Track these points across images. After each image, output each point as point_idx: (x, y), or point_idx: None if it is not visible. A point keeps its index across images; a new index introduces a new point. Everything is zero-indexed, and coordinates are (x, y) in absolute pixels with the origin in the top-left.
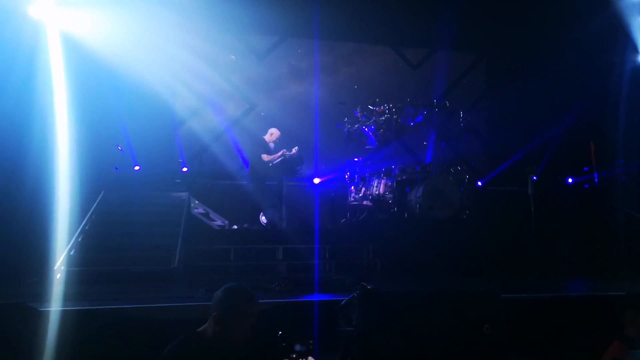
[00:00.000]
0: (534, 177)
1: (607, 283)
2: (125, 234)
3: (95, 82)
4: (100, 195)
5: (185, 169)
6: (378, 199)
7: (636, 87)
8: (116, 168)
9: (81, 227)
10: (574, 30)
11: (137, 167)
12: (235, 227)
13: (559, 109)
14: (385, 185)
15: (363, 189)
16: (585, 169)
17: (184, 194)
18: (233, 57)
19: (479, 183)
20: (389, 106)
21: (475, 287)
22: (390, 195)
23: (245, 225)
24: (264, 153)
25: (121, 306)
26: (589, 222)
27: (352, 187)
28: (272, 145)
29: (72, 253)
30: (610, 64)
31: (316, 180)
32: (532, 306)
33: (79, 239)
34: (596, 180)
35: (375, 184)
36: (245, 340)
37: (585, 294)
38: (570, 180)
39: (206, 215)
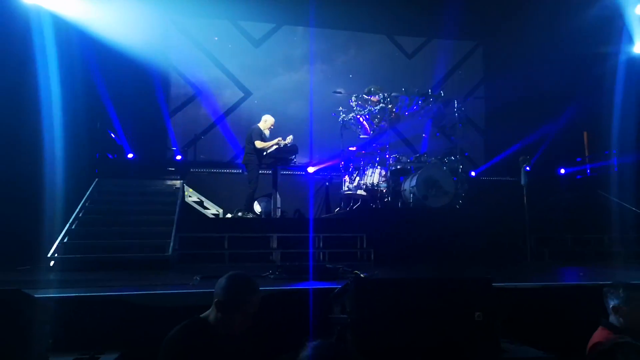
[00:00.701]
0: (527, 168)
1: (598, 271)
2: (119, 222)
3: (89, 68)
4: (94, 183)
5: (179, 157)
6: (372, 189)
7: (630, 78)
8: (109, 156)
9: (75, 214)
10: (570, 20)
11: (130, 155)
12: (229, 215)
13: (555, 100)
14: (380, 174)
15: (357, 179)
16: (578, 159)
17: (177, 182)
18: (216, 38)
19: (473, 173)
20: (384, 95)
21: (468, 275)
22: (385, 185)
23: (240, 213)
24: (258, 140)
25: (116, 293)
26: (581, 212)
27: (347, 177)
28: (267, 132)
29: (65, 240)
30: (605, 54)
31: (311, 169)
32: (524, 294)
33: (73, 227)
34: (588, 171)
35: (370, 174)
36: (245, 328)
37: (575, 282)
38: (562, 170)
39: (200, 203)
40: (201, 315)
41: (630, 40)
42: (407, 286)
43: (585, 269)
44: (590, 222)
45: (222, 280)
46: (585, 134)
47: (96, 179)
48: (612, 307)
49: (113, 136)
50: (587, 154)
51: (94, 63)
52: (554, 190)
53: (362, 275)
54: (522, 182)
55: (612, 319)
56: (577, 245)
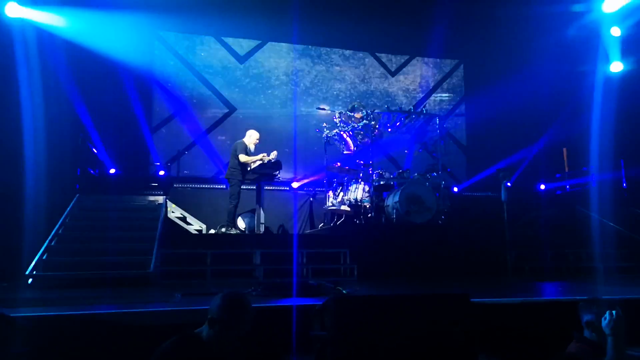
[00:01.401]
0: (508, 184)
1: (576, 286)
2: (100, 238)
3: (72, 82)
4: (75, 199)
5: (162, 173)
6: (356, 204)
7: (607, 95)
8: (91, 171)
9: (54, 231)
10: (549, 40)
11: (112, 171)
12: (212, 231)
13: (535, 117)
14: (363, 190)
15: (341, 194)
16: (558, 175)
17: (160, 198)
18: (202, 54)
19: (455, 189)
20: (367, 112)
21: (448, 290)
22: (368, 201)
23: (223, 229)
24: (242, 154)
25: (95, 312)
26: (561, 227)
27: (330, 192)
28: (252, 147)
29: (44, 257)
30: (583, 73)
31: (295, 185)
32: (502, 309)
33: (52, 243)
34: (568, 187)
35: (353, 189)
36: (237, 346)
37: (553, 298)
38: (542, 186)
39: (183, 219)
40: (195, 331)
41: (607, 60)
42: (386, 303)
43: (563, 284)
44: (569, 238)
45: (217, 299)
46: (564, 150)
47: (77, 195)
48: (586, 322)
49: (95, 151)
50: (566, 169)
51: (77, 77)
52: (534, 206)
53: (344, 291)
54: (503, 197)
55: (587, 333)
56: (557, 260)
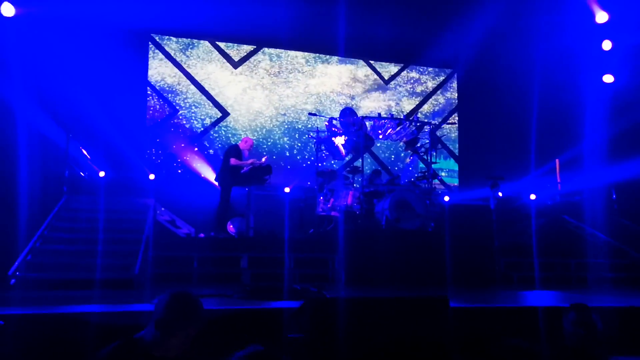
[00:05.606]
0: (499, 193)
1: (563, 295)
2: (86, 240)
3: (63, 84)
4: (62, 200)
5: (152, 176)
6: (346, 210)
7: (600, 107)
8: (80, 173)
9: (39, 232)
10: (540, 50)
11: (102, 173)
12: (202, 235)
13: (528, 127)
14: (353, 196)
15: (331, 200)
16: (549, 186)
17: (149, 201)
18: (196, 58)
19: (446, 197)
20: (359, 118)
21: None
22: (358, 207)
23: (212, 233)
24: (234, 157)
25: (71, 311)
26: (550, 237)
27: (321, 198)
28: (246, 152)
29: (28, 258)
30: (575, 84)
31: (287, 190)
32: (481, 315)
33: (37, 244)
34: (558, 197)
35: (344, 195)
36: (183, 350)
37: (537, 305)
38: (533, 196)
39: (172, 222)
40: (135, 335)
41: (599, 72)
42: (363, 305)
43: (551, 292)
44: (558, 248)
45: (164, 298)
46: (557, 161)
47: (64, 197)
48: (568, 327)
49: (85, 153)
50: (558, 180)
51: (69, 78)
52: (523, 216)
53: (327, 296)
54: (492, 206)
55: (569, 341)
56: (545, 270)
